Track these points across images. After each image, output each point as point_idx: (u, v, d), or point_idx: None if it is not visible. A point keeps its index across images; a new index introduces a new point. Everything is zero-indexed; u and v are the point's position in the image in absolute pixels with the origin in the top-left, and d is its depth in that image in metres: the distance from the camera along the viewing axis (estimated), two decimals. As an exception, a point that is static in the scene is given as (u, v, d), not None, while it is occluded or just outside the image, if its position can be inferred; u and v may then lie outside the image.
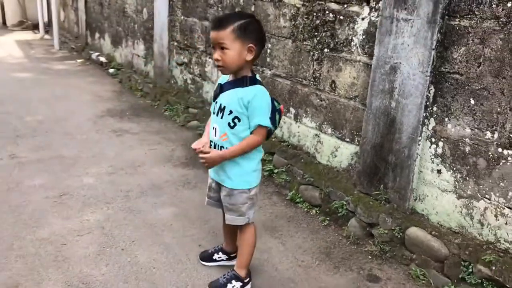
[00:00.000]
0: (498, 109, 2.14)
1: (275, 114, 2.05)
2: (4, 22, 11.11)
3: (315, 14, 3.10)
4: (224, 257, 2.39)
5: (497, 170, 2.17)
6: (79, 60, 7.55)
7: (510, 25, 2.06)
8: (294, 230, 2.80)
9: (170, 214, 2.88)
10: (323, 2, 3.03)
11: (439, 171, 2.43)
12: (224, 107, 2.01)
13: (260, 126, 1.98)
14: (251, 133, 2.01)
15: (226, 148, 2.01)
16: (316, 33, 3.11)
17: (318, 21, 3.08)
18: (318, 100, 3.17)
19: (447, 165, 2.38)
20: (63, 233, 2.59)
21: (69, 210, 2.85)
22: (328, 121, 3.11)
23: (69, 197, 3.01)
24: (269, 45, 3.52)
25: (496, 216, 2.20)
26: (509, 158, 2.12)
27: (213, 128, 2.07)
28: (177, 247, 2.52)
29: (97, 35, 7.69)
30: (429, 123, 2.44)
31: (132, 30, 6.25)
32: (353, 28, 2.84)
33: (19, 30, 10.66)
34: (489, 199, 2.22)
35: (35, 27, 10.56)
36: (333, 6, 2.96)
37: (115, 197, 3.05)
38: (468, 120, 2.27)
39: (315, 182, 3.05)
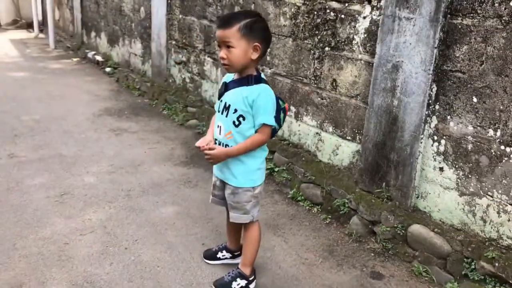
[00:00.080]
0: (501, 107, 2.16)
1: (280, 113, 2.06)
2: (-2, 21, 11.05)
3: (316, 12, 3.10)
4: (228, 255, 2.39)
5: (499, 167, 2.19)
6: (74, 59, 7.51)
7: (512, 23, 2.08)
8: (296, 228, 2.81)
9: (172, 213, 2.87)
10: (324, 1, 3.03)
11: (441, 169, 2.44)
12: (229, 105, 2.01)
13: (264, 124, 1.99)
14: (255, 131, 2.02)
15: (231, 146, 2.02)
16: (317, 32, 3.11)
17: (319, 20, 3.08)
18: (319, 99, 3.18)
19: (450, 162, 2.40)
20: (66, 233, 2.58)
21: (70, 209, 2.84)
22: (329, 119, 3.12)
23: (70, 196, 3.00)
24: (269, 44, 3.52)
25: (498, 213, 2.22)
26: (511, 156, 2.15)
27: (218, 126, 2.07)
28: (180, 246, 2.52)
29: (93, 34, 7.65)
30: (431, 121, 2.45)
31: (129, 29, 6.22)
32: (354, 26, 2.85)
33: (13, 29, 10.57)
34: (492, 196, 2.24)
35: (29, 26, 10.48)
36: (334, 4, 2.97)
37: (116, 196, 3.04)
38: (470, 118, 2.29)
39: (316, 180, 3.06)
